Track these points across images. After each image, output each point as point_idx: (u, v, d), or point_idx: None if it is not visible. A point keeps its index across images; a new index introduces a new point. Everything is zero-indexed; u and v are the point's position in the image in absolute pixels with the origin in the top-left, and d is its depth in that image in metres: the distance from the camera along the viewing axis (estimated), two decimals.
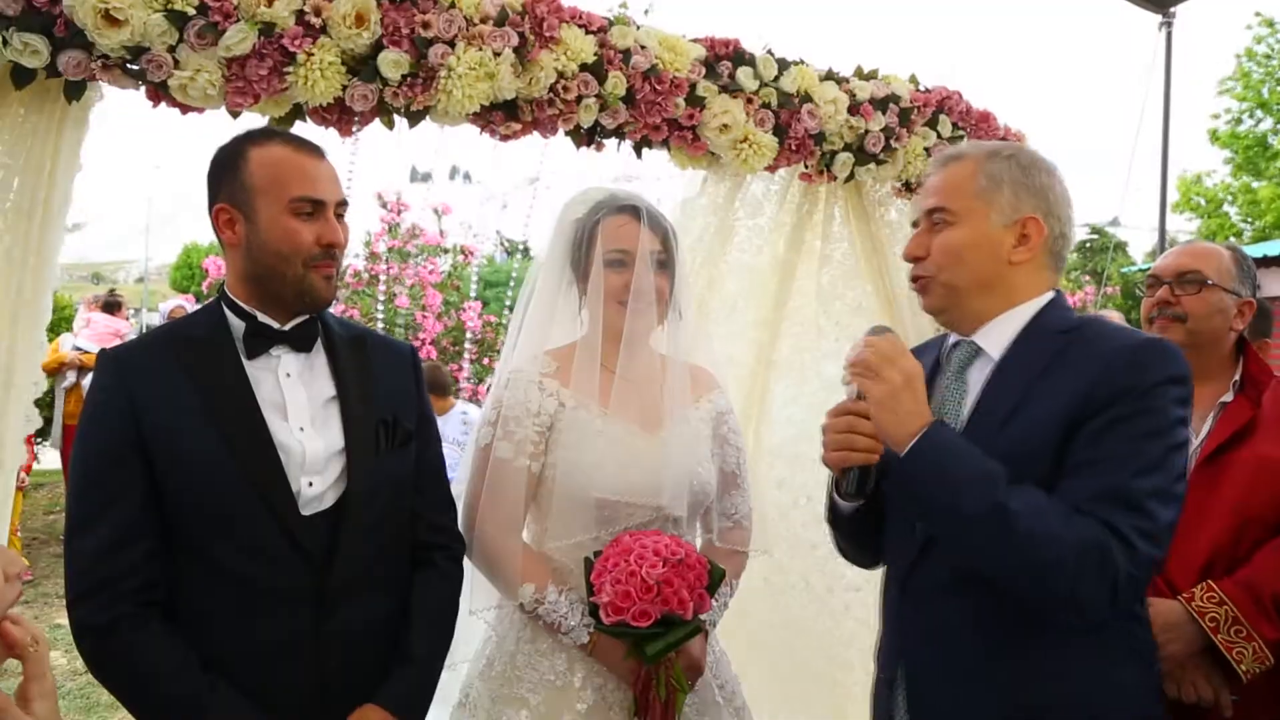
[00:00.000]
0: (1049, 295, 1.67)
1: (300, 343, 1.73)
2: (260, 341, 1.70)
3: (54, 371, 6.91)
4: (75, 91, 2.06)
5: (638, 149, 2.73)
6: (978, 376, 1.67)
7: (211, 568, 1.61)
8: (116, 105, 2.25)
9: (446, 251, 9.62)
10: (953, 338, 1.75)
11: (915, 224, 1.73)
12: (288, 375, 1.71)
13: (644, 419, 2.01)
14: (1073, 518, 1.41)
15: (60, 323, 8.35)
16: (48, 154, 2.15)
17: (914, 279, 1.72)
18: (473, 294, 8.91)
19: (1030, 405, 1.54)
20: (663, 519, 1.95)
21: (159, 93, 2.09)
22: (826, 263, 3.21)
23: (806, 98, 2.83)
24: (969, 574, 1.55)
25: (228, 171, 1.70)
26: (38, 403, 2.25)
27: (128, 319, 8.59)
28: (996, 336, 1.66)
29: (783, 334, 3.15)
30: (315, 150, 1.72)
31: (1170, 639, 1.95)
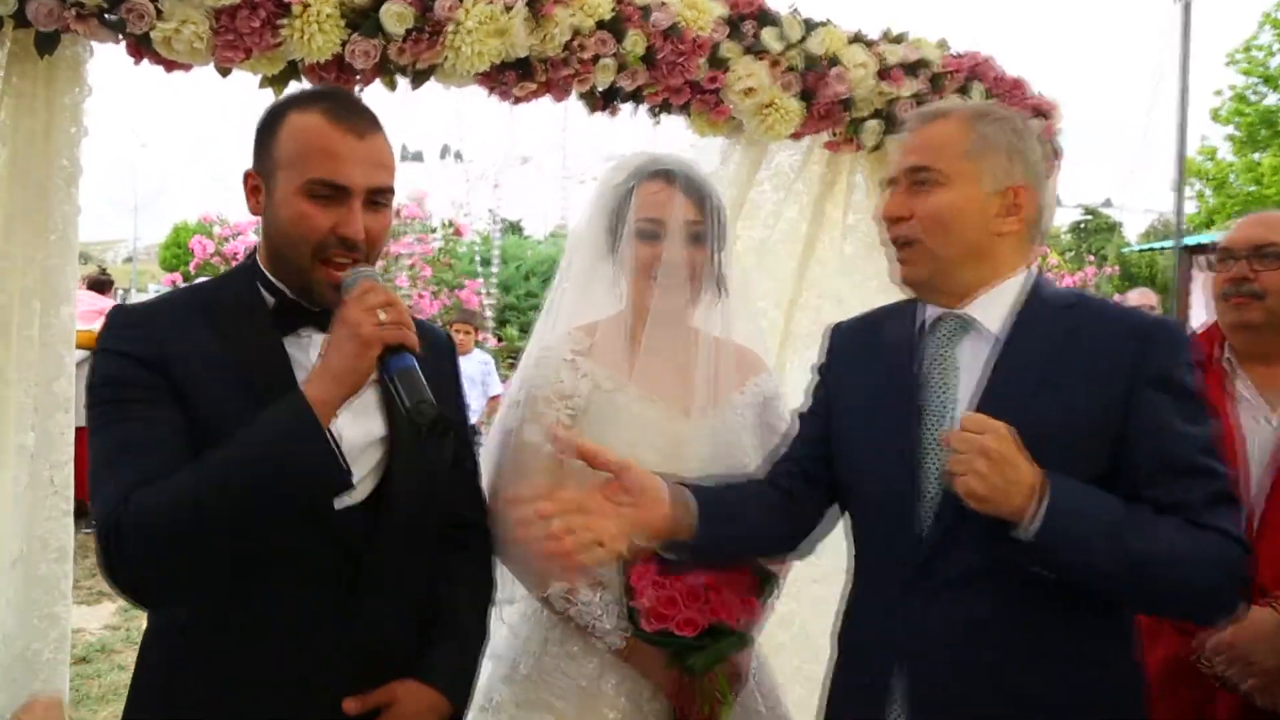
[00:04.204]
0: (1030, 270, 1.57)
1: (331, 323, 1.53)
2: (290, 320, 1.53)
3: None
4: (47, 45, 1.88)
5: (655, 114, 2.57)
6: (973, 353, 1.54)
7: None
8: (97, 75, 2.09)
9: (434, 231, 9.44)
10: (932, 309, 1.59)
11: (890, 182, 1.58)
12: (315, 354, 1.49)
13: (685, 404, 1.85)
14: (1199, 537, 1.37)
15: None
16: (39, 119, 1.98)
17: (896, 242, 1.56)
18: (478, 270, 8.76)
19: (1054, 387, 1.44)
20: None
21: (140, 47, 1.92)
22: (850, 234, 3.06)
23: (834, 61, 2.66)
24: (990, 570, 1.45)
25: (264, 134, 1.52)
26: None
27: (115, 299, 8.39)
28: (991, 310, 1.54)
29: (801, 306, 2.99)
30: (358, 125, 1.47)
31: (1268, 650, 1.79)
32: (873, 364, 1.63)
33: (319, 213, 1.45)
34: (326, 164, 1.45)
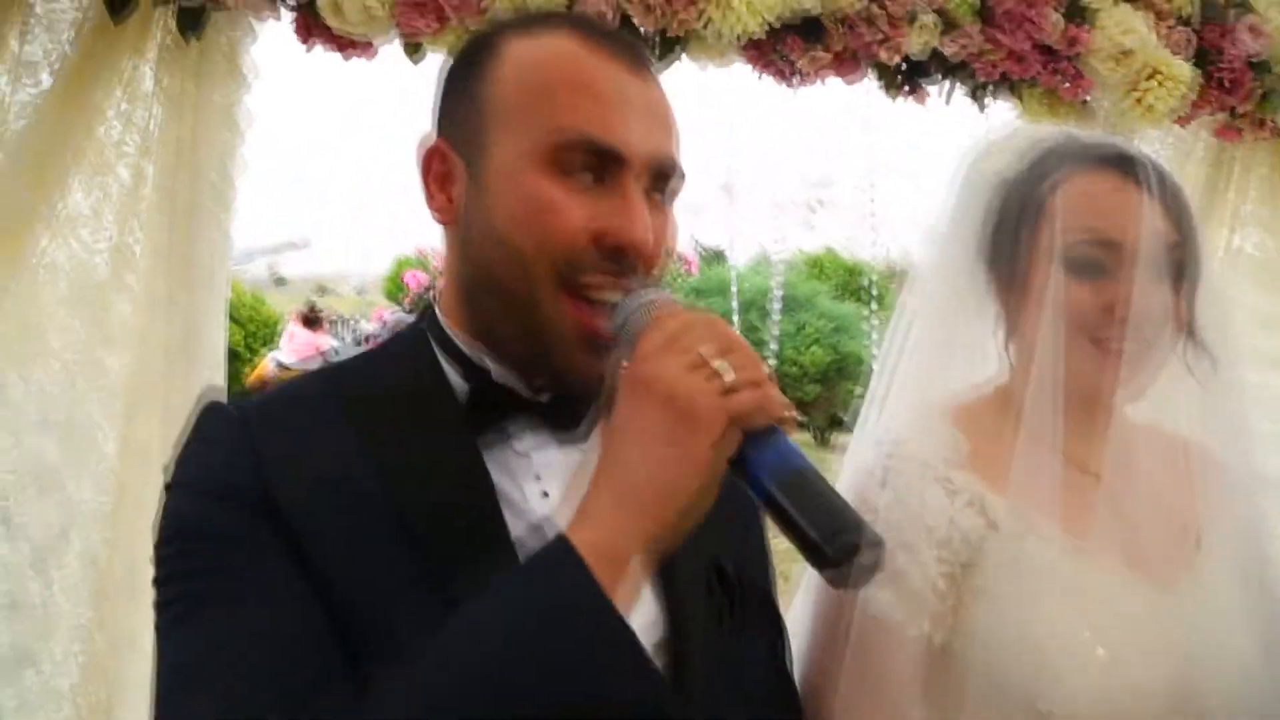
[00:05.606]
0: None
1: (565, 420, 0.86)
2: (495, 419, 0.84)
3: (256, 391, 6.74)
4: (190, 23, 1.44)
5: (978, 95, 1.87)
6: None
7: None
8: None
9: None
10: None
11: None
12: (540, 486, 0.83)
13: (1155, 563, 1.07)
14: None
15: (271, 338, 8.33)
16: (186, 123, 1.56)
17: None
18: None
19: None
20: None
21: (308, 21, 1.45)
22: (1235, 258, 2.24)
23: (1242, 6, 1.87)
24: None
25: (461, 78, 0.86)
26: None
27: (329, 332, 8.45)
28: None
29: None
30: (629, 58, 0.82)
31: None
32: None
33: (568, 199, 0.78)
34: (589, 111, 0.78)
